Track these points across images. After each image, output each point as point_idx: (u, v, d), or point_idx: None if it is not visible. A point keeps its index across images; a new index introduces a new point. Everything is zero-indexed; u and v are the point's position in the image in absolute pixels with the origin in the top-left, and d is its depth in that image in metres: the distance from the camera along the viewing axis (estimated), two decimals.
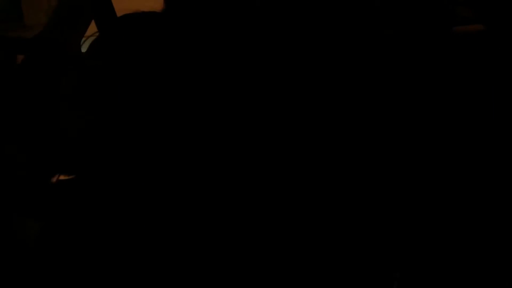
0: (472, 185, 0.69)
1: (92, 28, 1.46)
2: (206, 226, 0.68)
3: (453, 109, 0.70)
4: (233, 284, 0.68)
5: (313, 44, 0.64)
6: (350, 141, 0.65)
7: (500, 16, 0.71)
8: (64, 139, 0.89)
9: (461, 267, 0.70)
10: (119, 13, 1.19)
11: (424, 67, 0.70)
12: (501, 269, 0.69)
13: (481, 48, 0.75)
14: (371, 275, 0.69)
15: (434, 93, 0.68)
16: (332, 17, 0.65)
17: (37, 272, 1.05)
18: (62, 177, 1.07)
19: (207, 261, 0.68)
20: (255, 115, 0.64)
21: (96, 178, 0.80)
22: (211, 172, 0.66)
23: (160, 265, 0.69)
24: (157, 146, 0.68)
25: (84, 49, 1.31)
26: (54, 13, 1.33)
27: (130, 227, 0.72)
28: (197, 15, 0.65)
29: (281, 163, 0.64)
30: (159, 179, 0.68)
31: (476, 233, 0.69)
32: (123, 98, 0.69)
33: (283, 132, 0.64)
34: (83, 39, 1.36)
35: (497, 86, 0.72)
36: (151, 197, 0.70)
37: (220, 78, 0.65)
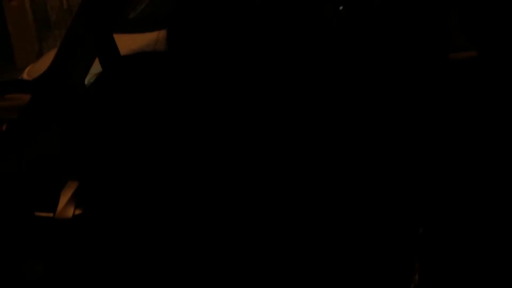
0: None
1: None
2: (205, 226, 0.69)
3: (447, 134, 0.72)
4: (232, 284, 0.69)
5: (310, 45, 0.66)
6: (349, 140, 0.66)
7: (493, 43, 0.72)
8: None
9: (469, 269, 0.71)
10: (122, 53, 1.22)
11: (420, 94, 0.71)
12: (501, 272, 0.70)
13: (474, 75, 0.76)
14: (389, 275, 0.70)
15: (429, 120, 0.70)
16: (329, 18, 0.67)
17: None
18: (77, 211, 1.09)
19: (207, 261, 0.68)
20: (253, 116, 0.66)
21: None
22: (209, 173, 0.67)
23: (160, 267, 0.70)
24: (154, 154, 0.69)
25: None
26: (58, 52, 1.37)
27: (132, 231, 0.72)
28: (197, 56, 0.67)
29: (278, 162, 0.65)
30: (159, 183, 0.69)
31: (478, 235, 0.70)
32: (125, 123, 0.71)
33: (280, 131, 0.65)
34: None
35: (490, 110, 0.73)
36: (152, 200, 0.71)
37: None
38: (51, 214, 1.22)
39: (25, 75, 4.10)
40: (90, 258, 0.77)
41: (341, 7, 0.69)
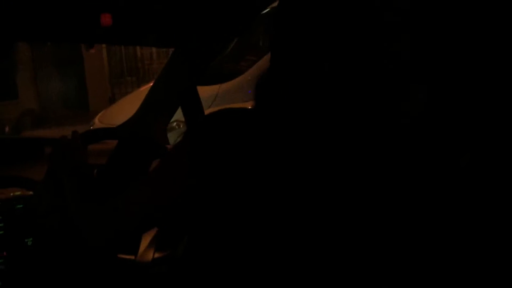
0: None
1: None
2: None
3: None
4: None
5: None
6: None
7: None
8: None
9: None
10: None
11: None
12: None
13: None
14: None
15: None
16: None
17: None
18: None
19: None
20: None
21: None
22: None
23: None
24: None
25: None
26: (143, 104, 1.47)
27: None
28: (284, 115, 0.70)
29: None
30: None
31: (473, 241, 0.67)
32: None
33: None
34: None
35: None
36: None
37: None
38: (132, 257, 1.28)
39: (96, 121, 4.23)
40: None
41: None
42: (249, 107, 0.79)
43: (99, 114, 4.38)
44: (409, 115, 0.62)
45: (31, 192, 1.43)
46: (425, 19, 0.61)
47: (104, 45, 9.99)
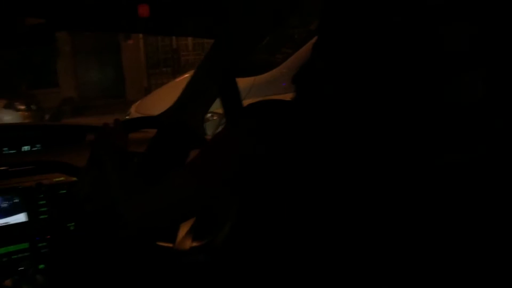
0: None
1: None
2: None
3: None
4: None
5: None
6: None
7: None
8: None
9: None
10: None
11: None
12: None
13: None
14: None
15: None
16: None
17: None
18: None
19: None
20: None
21: None
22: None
23: None
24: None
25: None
26: (183, 94, 1.49)
27: None
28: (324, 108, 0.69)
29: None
30: None
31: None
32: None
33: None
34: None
35: None
36: None
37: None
38: (171, 245, 1.30)
39: (132, 110, 4.28)
40: None
41: None
42: (287, 99, 0.79)
43: (135, 104, 4.44)
44: (466, 102, 0.61)
45: (73, 178, 1.47)
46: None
47: (141, 36, 10.15)
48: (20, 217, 1.41)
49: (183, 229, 1.31)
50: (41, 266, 1.41)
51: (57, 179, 1.47)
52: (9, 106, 7.59)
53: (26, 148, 1.57)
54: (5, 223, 1.39)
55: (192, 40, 10.68)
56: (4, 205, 1.41)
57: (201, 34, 1.53)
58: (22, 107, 7.71)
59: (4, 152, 1.55)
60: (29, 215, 1.42)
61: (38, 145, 1.58)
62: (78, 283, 1.42)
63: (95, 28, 1.73)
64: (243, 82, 3.32)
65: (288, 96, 0.78)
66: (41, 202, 1.44)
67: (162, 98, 4.15)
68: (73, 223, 1.45)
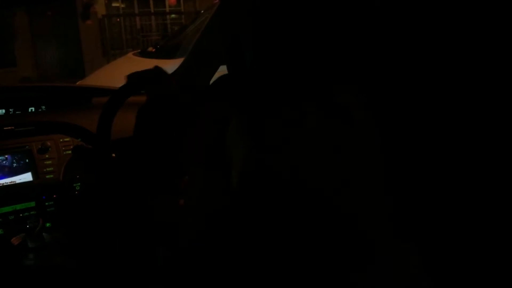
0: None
1: None
2: None
3: None
4: None
5: None
6: None
7: None
8: None
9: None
10: None
11: None
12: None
13: None
14: None
15: None
16: None
17: None
18: None
19: None
20: None
21: None
22: None
23: None
24: None
25: None
26: (189, 55, 1.51)
27: None
28: None
29: None
30: None
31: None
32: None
33: None
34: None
35: None
36: None
37: None
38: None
39: None
40: None
41: None
42: None
43: (79, 82, 4.39)
44: None
45: (79, 140, 1.48)
46: None
47: (101, 17, 9.91)
48: (26, 176, 1.43)
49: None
50: (48, 224, 1.43)
51: (62, 140, 1.48)
52: None
53: (32, 109, 1.58)
54: (12, 182, 1.40)
55: (155, 20, 10.54)
56: (10, 164, 1.42)
57: None
58: None
59: (10, 112, 1.55)
60: (34, 175, 1.43)
61: (43, 107, 1.59)
62: (83, 242, 1.44)
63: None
64: (172, 63, 3.52)
65: None
66: (47, 162, 1.45)
67: (102, 79, 4.22)
68: (78, 184, 1.47)
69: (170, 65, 1.58)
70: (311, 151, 0.64)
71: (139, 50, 5.46)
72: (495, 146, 0.64)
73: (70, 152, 1.46)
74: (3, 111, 1.56)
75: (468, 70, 0.65)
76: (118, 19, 10.31)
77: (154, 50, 5.02)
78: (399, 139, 0.68)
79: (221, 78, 0.91)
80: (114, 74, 4.25)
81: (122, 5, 10.81)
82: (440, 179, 0.67)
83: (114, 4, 10.71)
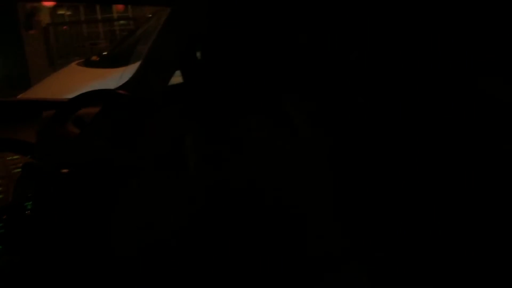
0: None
1: None
2: None
3: None
4: None
5: None
6: None
7: None
8: None
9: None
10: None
11: None
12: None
13: None
14: None
15: None
16: None
17: None
18: None
19: None
20: None
21: None
22: None
23: None
24: None
25: None
26: (142, 65, 1.47)
27: None
28: None
29: None
30: None
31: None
32: None
33: None
34: None
35: None
36: None
37: None
38: None
39: None
40: None
41: None
42: None
43: (21, 94, 4.29)
44: None
45: (28, 157, 1.41)
46: None
47: (46, 26, 9.62)
48: None
49: None
50: None
51: (11, 157, 1.41)
52: None
53: None
54: None
55: (103, 27, 10.30)
56: None
57: (157, 2, 1.53)
58: None
59: None
60: None
61: None
62: (34, 265, 1.37)
63: None
64: (114, 72, 3.54)
65: None
66: None
67: (45, 90, 4.14)
68: (30, 202, 1.39)
69: (114, 74, 1.54)
70: (261, 161, 0.64)
71: (82, 60, 5.32)
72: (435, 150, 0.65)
73: (20, 170, 1.39)
74: None
75: (403, 71, 0.66)
76: (64, 27, 10.02)
77: (98, 59, 4.89)
78: (345, 147, 0.68)
79: (175, 87, 0.90)
80: (57, 85, 4.19)
81: (68, 13, 10.50)
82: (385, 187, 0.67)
83: (59, 12, 10.40)
